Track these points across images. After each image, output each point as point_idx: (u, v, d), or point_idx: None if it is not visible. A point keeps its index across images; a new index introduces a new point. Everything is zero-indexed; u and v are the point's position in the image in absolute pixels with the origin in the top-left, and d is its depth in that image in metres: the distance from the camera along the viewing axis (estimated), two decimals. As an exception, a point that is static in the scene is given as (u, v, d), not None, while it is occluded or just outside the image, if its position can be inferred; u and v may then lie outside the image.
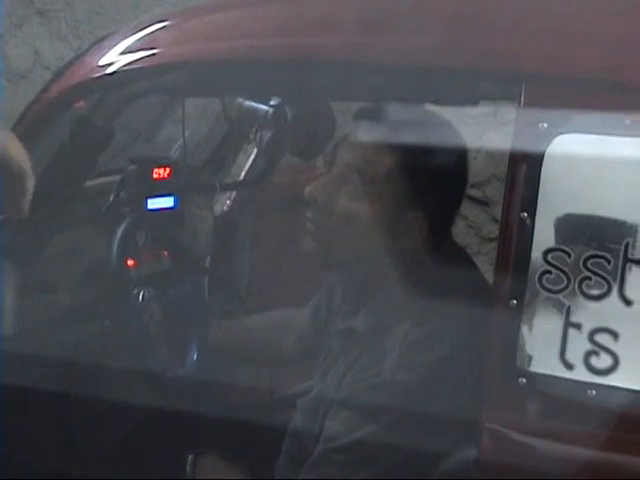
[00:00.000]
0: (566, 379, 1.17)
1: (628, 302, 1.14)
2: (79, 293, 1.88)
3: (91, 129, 1.71)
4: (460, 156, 1.49)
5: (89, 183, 1.84)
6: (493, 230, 3.04)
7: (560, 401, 1.18)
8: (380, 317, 1.46)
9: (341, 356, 1.51)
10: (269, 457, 1.60)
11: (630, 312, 1.14)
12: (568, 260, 1.16)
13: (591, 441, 1.16)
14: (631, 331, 1.14)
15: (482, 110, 2.67)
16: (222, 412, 1.76)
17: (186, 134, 2.00)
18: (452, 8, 1.35)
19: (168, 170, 1.86)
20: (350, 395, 1.42)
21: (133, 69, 1.60)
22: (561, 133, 1.17)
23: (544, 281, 1.18)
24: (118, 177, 1.84)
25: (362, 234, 1.46)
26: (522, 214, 1.19)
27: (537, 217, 1.18)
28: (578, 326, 1.16)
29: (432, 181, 1.43)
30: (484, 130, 2.61)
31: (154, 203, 1.84)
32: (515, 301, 1.19)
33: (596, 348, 1.15)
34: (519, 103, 1.20)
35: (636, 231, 1.13)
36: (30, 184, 1.34)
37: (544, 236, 1.18)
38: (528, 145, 1.19)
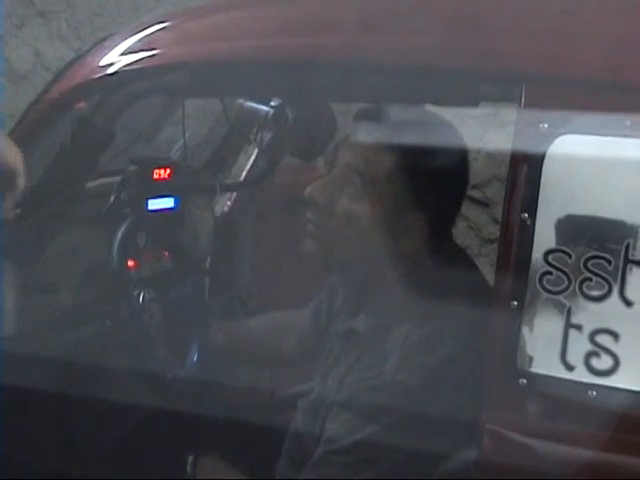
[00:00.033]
0: (567, 380, 1.17)
1: (629, 303, 1.14)
2: (80, 294, 1.88)
3: (92, 130, 1.71)
4: (461, 157, 1.49)
5: (90, 184, 1.84)
6: (494, 231, 3.04)
7: (561, 402, 1.18)
8: (381, 318, 1.46)
9: (342, 357, 1.51)
10: (269, 458, 1.59)
11: (631, 313, 1.14)
12: (569, 261, 1.16)
13: (592, 442, 1.16)
14: (632, 332, 1.14)
15: (483, 111, 2.67)
16: (223, 413, 1.76)
17: (186, 135, 2.00)
18: (452, 8, 1.35)
19: (169, 171, 1.86)
20: (351, 396, 1.42)
21: (134, 70, 1.60)
22: (562, 134, 1.17)
23: (545, 282, 1.18)
24: (119, 178, 1.84)
25: (363, 235, 1.45)
26: (523, 215, 1.19)
27: (538, 218, 1.18)
28: (579, 327, 1.16)
29: (433, 182, 1.43)
30: (485, 131, 2.61)
31: (155, 204, 1.84)
32: (516, 302, 1.19)
33: (597, 349, 1.15)
34: (520, 104, 1.20)
35: (637, 232, 1.13)
36: (21, 183, 1.34)
37: (545, 237, 1.18)
38: (529, 146, 1.19)
